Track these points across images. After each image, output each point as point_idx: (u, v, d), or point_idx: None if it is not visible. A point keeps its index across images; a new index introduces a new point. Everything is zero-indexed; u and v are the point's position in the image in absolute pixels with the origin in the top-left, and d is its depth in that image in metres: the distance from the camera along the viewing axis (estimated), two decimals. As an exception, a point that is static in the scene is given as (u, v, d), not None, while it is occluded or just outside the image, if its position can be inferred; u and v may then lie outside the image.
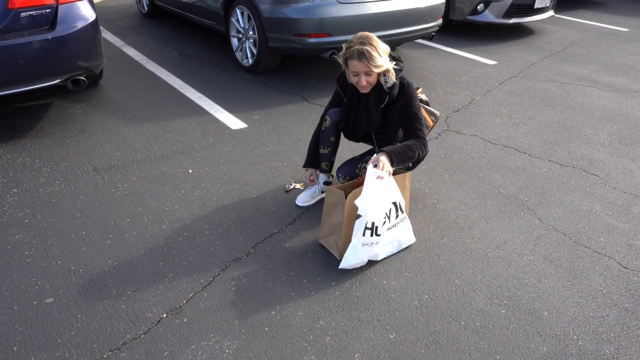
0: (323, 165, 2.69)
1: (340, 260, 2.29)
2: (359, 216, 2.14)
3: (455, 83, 4.62)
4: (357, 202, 2.11)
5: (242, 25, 4.58)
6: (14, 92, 3.18)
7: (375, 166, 2.17)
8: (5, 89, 3.13)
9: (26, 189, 2.86)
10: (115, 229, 2.53)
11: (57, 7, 3.20)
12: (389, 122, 2.46)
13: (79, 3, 3.33)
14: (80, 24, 3.29)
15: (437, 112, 2.81)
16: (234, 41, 4.79)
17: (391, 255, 2.36)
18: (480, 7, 5.92)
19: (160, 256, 2.34)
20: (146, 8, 6.65)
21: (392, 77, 2.31)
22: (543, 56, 5.47)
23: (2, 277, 2.19)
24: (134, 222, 2.59)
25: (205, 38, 5.82)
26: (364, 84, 2.28)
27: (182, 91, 4.27)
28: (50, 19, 3.18)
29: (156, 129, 3.61)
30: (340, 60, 2.34)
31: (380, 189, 2.16)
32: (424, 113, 2.65)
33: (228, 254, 2.36)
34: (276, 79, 4.57)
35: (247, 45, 4.59)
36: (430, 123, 2.75)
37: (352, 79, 2.32)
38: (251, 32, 4.48)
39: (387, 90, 2.35)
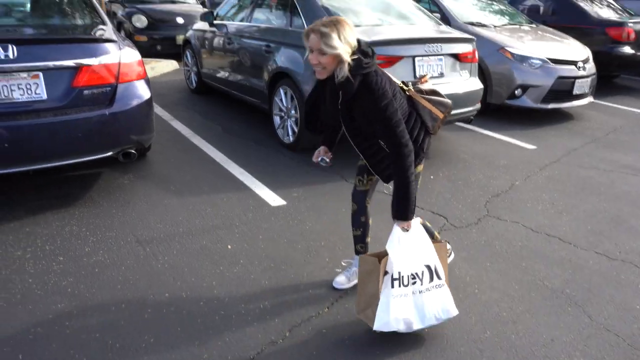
0: (358, 247, 2.69)
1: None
2: (386, 273, 2.12)
3: (495, 167, 4.61)
4: (387, 248, 2.17)
5: (285, 105, 4.78)
6: (70, 163, 3.35)
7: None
8: (63, 160, 3.30)
9: (72, 257, 2.93)
10: (154, 303, 2.54)
11: (116, 86, 3.43)
12: (357, 120, 2.24)
13: (136, 82, 3.56)
14: (136, 102, 3.50)
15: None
16: (276, 119, 4.98)
17: (433, 348, 2.27)
18: (518, 92, 6.02)
19: (196, 335, 2.32)
20: (194, 84, 7.04)
21: (345, 70, 2.08)
22: (584, 142, 5.44)
23: (42, 348, 2.21)
24: (172, 297, 2.60)
25: (248, 114, 6.07)
26: (315, 62, 2.11)
27: (225, 166, 4.41)
28: (110, 96, 3.40)
29: (198, 202, 3.70)
30: None
31: (408, 243, 2.18)
32: (427, 105, 2.38)
33: (264, 336, 2.32)
34: (311, 155, 4.67)
35: (289, 123, 4.76)
36: (440, 115, 2.43)
37: (309, 58, 2.15)
38: (293, 111, 4.66)
39: (339, 82, 2.12)
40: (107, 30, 3.67)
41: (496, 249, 3.18)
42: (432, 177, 4.32)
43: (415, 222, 2.23)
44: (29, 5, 4.18)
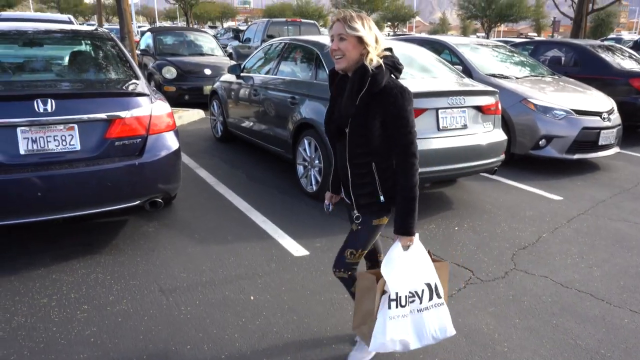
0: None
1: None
2: (384, 292, 2.07)
3: (520, 218, 4.54)
4: (382, 269, 2.10)
5: (308, 154, 4.84)
6: (98, 212, 3.42)
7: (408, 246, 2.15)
8: (92, 208, 3.37)
9: (96, 306, 2.94)
10: (175, 355, 2.52)
11: (147, 137, 3.53)
12: (368, 124, 2.07)
13: (166, 134, 3.67)
14: (164, 152, 3.59)
15: None
16: (300, 168, 5.03)
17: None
18: (542, 142, 5.99)
19: (217, 391, 2.27)
20: (220, 133, 7.22)
21: (376, 59, 2.04)
22: (612, 193, 5.34)
23: (62, 401, 2.19)
24: (194, 349, 2.57)
25: (271, 163, 6.16)
26: (335, 47, 2.05)
27: (248, 214, 4.44)
28: (140, 147, 3.50)
29: (222, 251, 3.71)
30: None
31: (408, 261, 2.13)
32: None
33: (286, 394, 2.26)
34: (338, 207, 4.67)
35: (312, 172, 4.80)
36: None
37: (330, 48, 2.10)
38: (317, 161, 4.71)
39: (372, 71, 2.02)
40: (140, 84, 3.82)
41: (525, 304, 3.09)
42: (456, 228, 4.27)
43: (416, 237, 2.18)
44: (67, 59, 4.40)
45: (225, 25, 64.08)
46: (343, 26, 2.02)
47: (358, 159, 2.16)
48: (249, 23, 30.97)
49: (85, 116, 3.30)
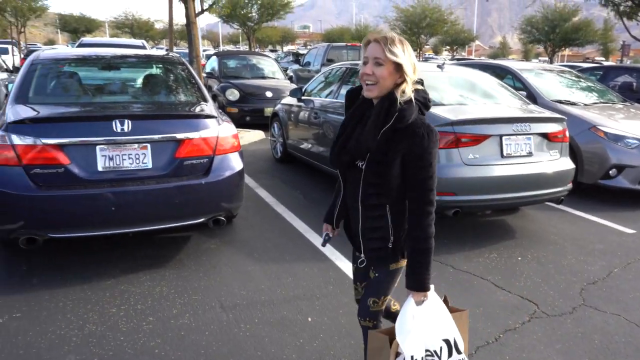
0: None
1: None
2: (398, 354, 1.90)
3: (589, 251, 4.33)
4: (396, 330, 1.89)
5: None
6: (165, 227, 3.58)
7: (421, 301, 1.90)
8: (159, 224, 3.54)
9: (160, 319, 3.05)
10: (234, 373, 2.56)
11: (213, 157, 3.68)
12: (388, 159, 1.84)
13: (231, 155, 3.80)
14: (229, 173, 3.72)
15: None
16: (359, 191, 5.04)
17: None
18: (612, 172, 5.71)
19: (275, 411, 2.29)
20: (279, 154, 7.38)
21: (409, 93, 1.84)
22: (690, 228, 5.00)
23: (128, 410, 2.27)
24: (253, 368, 2.61)
25: (329, 184, 6.20)
26: (369, 71, 1.81)
27: (306, 235, 4.49)
28: (207, 167, 3.65)
29: (280, 271, 3.76)
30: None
31: (424, 318, 1.89)
32: None
33: (344, 419, 2.25)
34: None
35: (371, 196, 4.80)
36: None
37: (361, 71, 1.86)
38: (376, 185, 4.71)
39: (400, 105, 1.82)
40: (208, 106, 4.00)
41: (595, 343, 2.92)
42: (519, 258, 4.12)
43: (431, 289, 1.95)
44: (141, 82, 4.68)
45: (285, 49, 65.90)
46: (382, 49, 1.80)
47: (371, 199, 1.94)
48: (309, 47, 31.60)
49: (158, 136, 3.48)
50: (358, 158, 1.90)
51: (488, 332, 3.01)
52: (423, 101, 1.90)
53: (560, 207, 5.50)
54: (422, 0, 36.80)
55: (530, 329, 3.07)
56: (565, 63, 23.81)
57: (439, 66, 5.51)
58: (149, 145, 3.47)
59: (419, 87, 1.91)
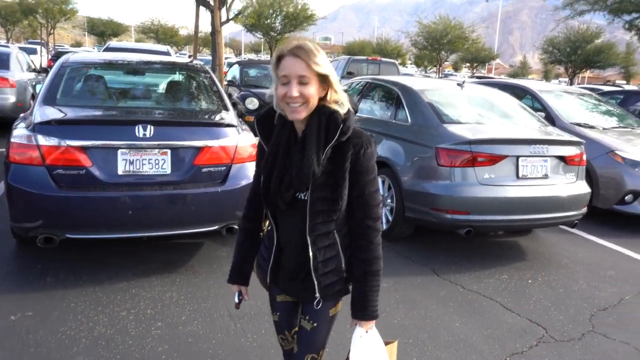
0: None
1: None
2: None
3: (600, 277, 4.28)
4: None
5: (381, 193, 4.87)
6: (180, 233, 3.64)
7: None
8: (175, 229, 3.61)
9: (169, 324, 3.10)
10: (240, 381, 2.59)
11: (231, 166, 3.73)
12: (336, 179, 1.63)
13: (248, 164, 3.85)
14: (245, 181, 3.76)
15: None
16: (372, 206, 5.06)
17: None
18: (628, 197, 5.66)
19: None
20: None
21: (346, 102, 1.63)
22: None
23: (135, 411, 2.31)
24: (258, 377, 2.63)
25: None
26: (294, 94, 1.54)
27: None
28: (224, 175, 3.71)
29: (290, 281, 3.79)
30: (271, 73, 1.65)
31: (368, 351, 1.72)
32: None
33: None
34: (407, 247, 4.65)
35: (384, 211, 4.82)
36: None
37: (280, 93, 1.57)
38: (389, 200, 4.73)
39: (340, 118, 1.60)
40: (229, 115, 4.07)
41: (603, 372, 2.90)
42: (529, 280, 4.10)
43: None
44: (165, 88, 4.77)
45: (306, 59, 66.11)
46: (305, 64, 1.54)
47: (321, 229, 1.68)
48: (330, 60, 31.78)
49: (178, 142, 3.56)
50: (301, 189, 1.64)
51: (495, 354, 3.00)
52: (354, 107, 1.69)
53: (574, 230, 5.46)
54: (445, 17, 36.89)
55: (538, 353, 3.05)
56: (585, 85, 23.60)
57: (459, 84, 5.53)
58: (169, 151, 3.55)
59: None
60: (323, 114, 1.60)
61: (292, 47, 1.56)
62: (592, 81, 50.31)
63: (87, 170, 3.35)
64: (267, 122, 1.72)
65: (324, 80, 1.59)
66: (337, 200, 1.64)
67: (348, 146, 1.62)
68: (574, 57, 34.05)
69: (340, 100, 1.62)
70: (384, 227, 4.80)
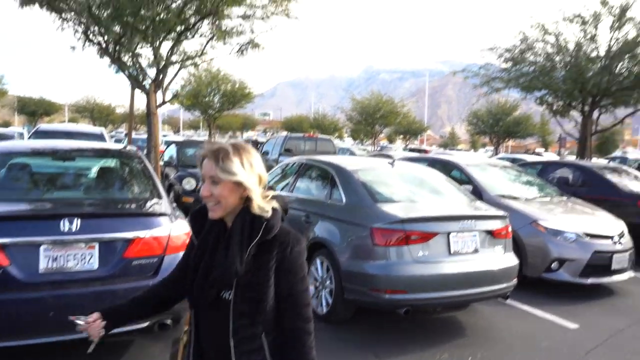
0: None
1: None
2: None
3: (537, 349, 4.39)
4: None
5: (320, 274, 4.85)
6: (108, 334, 3.40)
7: None
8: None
9: None
10: None
11: (163, 257, 3.61)
12: (260, 278, 1.62)
13: (181, 253, 3.74)
14: (179, 272, 3.65)
15: None
16: (311, 289, 5.02)
17: None
18: (554, 265, 5.95)
19: None
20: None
21: (267, 207, 1.64)
22: (631, 321, 5.18)
23: None
24: None
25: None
26: (206, 193, 1.60)
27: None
28: (156, 267, 3.58)
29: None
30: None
31: None
32: None
33: None
34: (349, 331, 4.59)
35: (323, 294, 4.78)
36: None
37: (201, 191, 1.66)
38: (328, 282, 4.72)
39: (264, 220, 1.62)
40: (162, 203, 3.99)
41: None
42: (469, 358, 4.13)
43: None
44: (94, 177, 4.64)
45: (245, 135, 67.25)
46: (214, 166, 1.59)
47: (245, 331, 1.63)
48: (268, 137, 32.40)
49: (107, 235, 3.43)
50: (224, 288, 1.62)
51: None
52: (284, 206, 1.73)
53: (508, 302, 5.62)
54: (377, 93, 39.10)
55: None
56: (508, 155, 25.33)
57: (389, 163, 5.77)
58: (96, 245, 3.40)
59: (273, 192, 1.71)
60: (246, 213, 1.64)
61: (212, 148, 1.62)
62: (515, 149, 54.02)
63: (3, 270, 3.13)
64: (200, 218, 1.74)
65: (239, 184, 1.61)
66: (262, 300, 1.61)
67: (274, 244, 1.64)
68: (496, 128, 36.79)
69: (263, 207, 1.63)
70: (324, 310, 4.74)
